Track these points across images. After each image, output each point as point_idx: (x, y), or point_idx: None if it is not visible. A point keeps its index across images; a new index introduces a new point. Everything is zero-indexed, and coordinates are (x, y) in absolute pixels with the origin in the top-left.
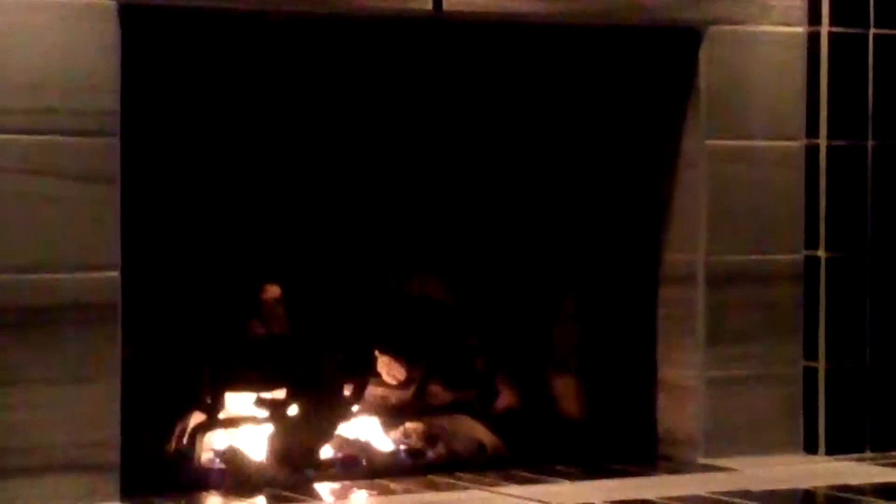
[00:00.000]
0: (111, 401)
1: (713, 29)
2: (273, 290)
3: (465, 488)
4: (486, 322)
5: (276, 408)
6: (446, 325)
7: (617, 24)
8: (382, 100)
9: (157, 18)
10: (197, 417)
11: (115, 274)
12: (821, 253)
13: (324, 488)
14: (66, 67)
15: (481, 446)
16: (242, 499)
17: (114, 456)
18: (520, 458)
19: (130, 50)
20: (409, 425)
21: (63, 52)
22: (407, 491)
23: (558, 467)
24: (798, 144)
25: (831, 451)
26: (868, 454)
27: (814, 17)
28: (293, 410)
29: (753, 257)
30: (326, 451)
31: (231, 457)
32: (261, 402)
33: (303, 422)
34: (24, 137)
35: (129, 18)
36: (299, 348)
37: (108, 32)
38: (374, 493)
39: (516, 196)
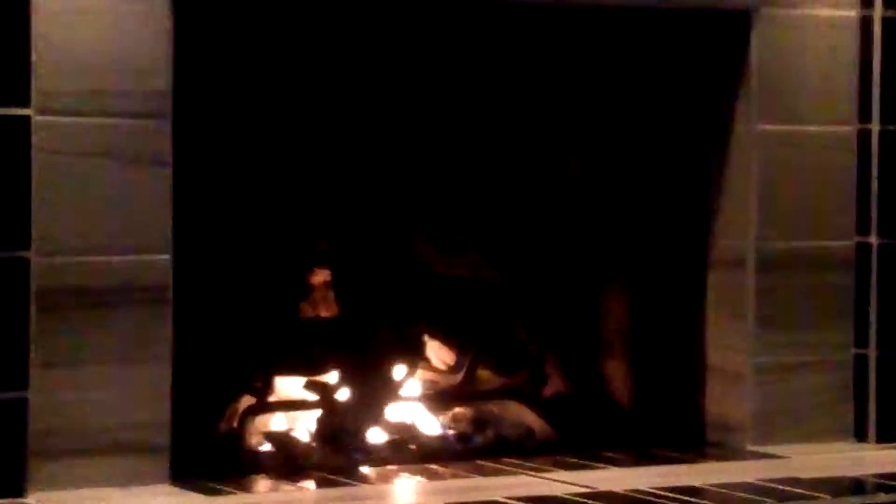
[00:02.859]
0: (161, 383)
1: (765, 11)
2: (322, 274)
3: (513, 473)
4: (535, 306)
5: (326, 391)
6: (496, 309)
7: (669, 6)
8: (436, 81)
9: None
10: (246, 401)
11: (167, 257)
12: (873, 239)
13: (372, 472)
14: (118, 49)
15: (530, 431)
16: (291, 482)
17: (163, 438)
18: (568, 444)
19: (183, 31)
20: (457, 410)
21: (115, 33)
22: (454, 476)
23: (606, 453)
24: (850, 129)
25: (882, 438)
26: None
27: (866, 0)
28: (342, 394)
29: (804, 243)
30: (375, 435)
31: (280, 440)
32: (310, 386)
33: (352, 405)
34: (76, 119)
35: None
36: (348, 332)
37: (161, 13)
38: (422, 477)
39: (568, 180)
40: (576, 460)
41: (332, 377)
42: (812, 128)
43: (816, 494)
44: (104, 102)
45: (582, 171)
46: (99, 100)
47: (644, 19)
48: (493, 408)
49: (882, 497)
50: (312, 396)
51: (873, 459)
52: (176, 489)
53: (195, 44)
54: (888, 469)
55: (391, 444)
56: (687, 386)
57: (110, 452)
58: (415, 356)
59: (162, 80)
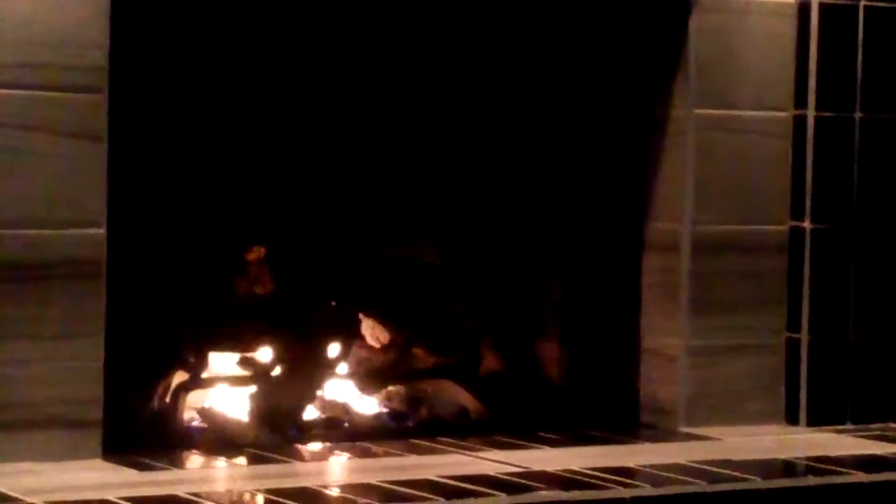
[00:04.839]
0: (95, 358)
1: None
2: (259, 251)
3: (447, 453)
4: (471, 287)
5: (260, 368)
6: (432, 288)
7: None
8: (370, 61)
9: None
10: (180, 376)
11: (102, 231)
12: (806, 224)
13: (305, 449)
14: (55, 22)
15: (464, 411)
16: (223, 458)
17: (96, 413)
18: (502, 424)
19: (121, 6)
20: (392, 388)
21: (53, 7)
22: (388, 454)
23: (541, 433)
24: (786, 115)
25: (812, 422)
26: (849, 426)
27: None
28: (276, 371)
29: (739, 227)
30: (309, 413)
31: (212, 416)
32: (244, 363)
33: (286, 383)
34: (13, 92)
35: None
36: (284, 309)
37: None
38: (356, 455)
39: (504, 162)
40: (509, 440)
41: (266, 354)
42: (748, 113)
43: (747, 476)
44: (41, 76)
45: (520, 154)
46: (36, 73)
47: (583, 2)
48: (428, 387)
49: (812, 479)
50: (246, 373)
51: (804, 442)
52: (108, 464)
53: (133, 19)
54: (818, 452)
55: (325, 422)
56: (621, 368)
57: (43, 427)
58: (350, 334)
59: (99, 55)
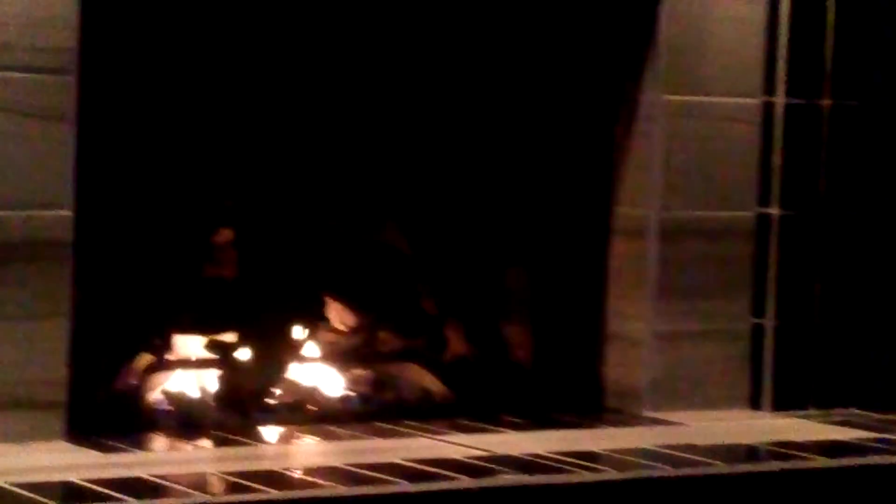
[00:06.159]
0: (60, 339)
1: None
2: (225, 234)
3: (412, 436)
4: (436, 270)
5: (225, 351)
6: (398, 272)
7: None
8: (342, 46)
9: None
10: (146, 359)
11: (68, 213)
12: (774, 210)
13: (270, 432)
14: (24, 2)
15: (429, 394)
16: (188, 441)
17: (61, 394)
18: (467, 407)
19: None
20: (356, 372)
21: None
22: (353, 437)
23: (505, 417)
24: (755, 101)
25: (777, 407)
26: (812, 411)
27: None
28: (242, 354)
29: (706, 213)
30: (274, 396)
31: (177, 398)
32: (211, 345)
33: (251, 365)
34: None
35: None
36: (250, 292)
37: None
38: (320, 438)
39: (470, 144)
40: (474, 424)
41: (232, 337)
42: (717, 99)
43: (711, 461)
44: (9, 56)
45: (488, 137)
46: (4, 54)
47: None
48: (393, 370)
49: (775, 465)
50: (212, 356)
51: (768, 427)
52: (72, 446)
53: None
54: (782, 437)
55: (290, 405)
56: (587, 352)
57: (7, 408)
58: (316, 317)
59: (68, 35)
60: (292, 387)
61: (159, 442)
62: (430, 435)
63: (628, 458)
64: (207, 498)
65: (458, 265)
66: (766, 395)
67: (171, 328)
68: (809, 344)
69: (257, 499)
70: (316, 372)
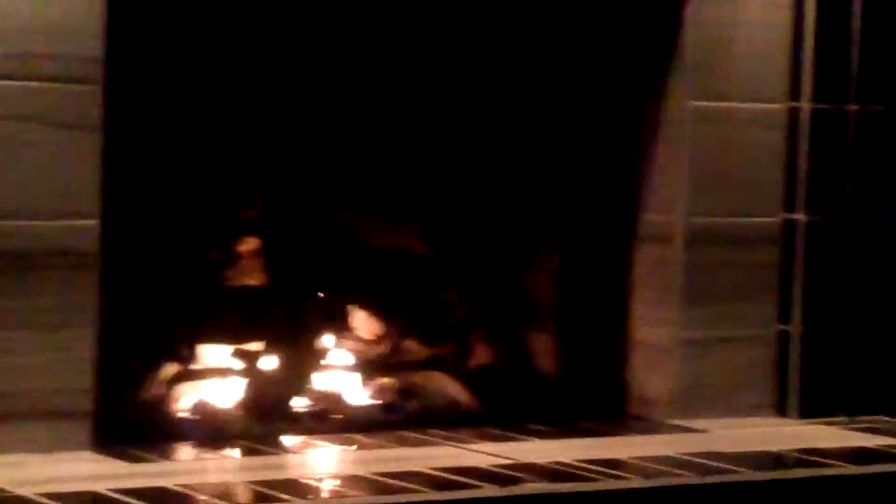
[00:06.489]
0: (87, 349)
1: None
2: (251, 242)
3: (437, 444)
4: (462, 278)
5: (251, 360)
6: (423, 280)
7: None
8: (361, 52)
9: None
10: (172, 368)
11: (95, 222)
12: (800, 216)
13: (295, 441)
14: (51, 13)
15: (454, 403)
16: (214, 450)
17: (87, 404)
18: (493, 416)
19: None
20: (382, 380)
21: None
22: (378, 446)
23: (531, 425)
24: (781, 107)
25: (803, 414)
26: (839, 418)
27: None
28: (268, 363)
29: (732, 219)
30: (300, 405)
31: (204, 408)
32: (237, 354)
33: (277, 375)
34: (7, 83)
35: None
36: (275, 301)
37: None
38: (345, 447)
39: (496, 152)
40: (500, 432)
41: (258, 346)
42: (743, 105)
43: (737, 468)
44: (35, 66)
45: (514, 144)
46: (30, 64)
47: None
48: (419, 378)
49: (801, 472)
50: (239, 365)
51: (794, 434)
52: (99, 456)
53: (129, 9)
54: (808, 444)
55: (316, 414)
56: (612, 359)
57: (33, 418)
58: (341, 326)
59: (94, 45)
60: (318, 396)
61: (185, 451)
62: (455, 443)
63: (654, 465)
64: None
65: (483, 273)
66: (793, 402)
67: (196, 337)
68: (836, 350)
69: None
70: (341, 381)
